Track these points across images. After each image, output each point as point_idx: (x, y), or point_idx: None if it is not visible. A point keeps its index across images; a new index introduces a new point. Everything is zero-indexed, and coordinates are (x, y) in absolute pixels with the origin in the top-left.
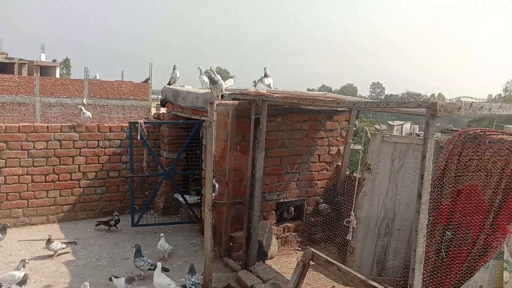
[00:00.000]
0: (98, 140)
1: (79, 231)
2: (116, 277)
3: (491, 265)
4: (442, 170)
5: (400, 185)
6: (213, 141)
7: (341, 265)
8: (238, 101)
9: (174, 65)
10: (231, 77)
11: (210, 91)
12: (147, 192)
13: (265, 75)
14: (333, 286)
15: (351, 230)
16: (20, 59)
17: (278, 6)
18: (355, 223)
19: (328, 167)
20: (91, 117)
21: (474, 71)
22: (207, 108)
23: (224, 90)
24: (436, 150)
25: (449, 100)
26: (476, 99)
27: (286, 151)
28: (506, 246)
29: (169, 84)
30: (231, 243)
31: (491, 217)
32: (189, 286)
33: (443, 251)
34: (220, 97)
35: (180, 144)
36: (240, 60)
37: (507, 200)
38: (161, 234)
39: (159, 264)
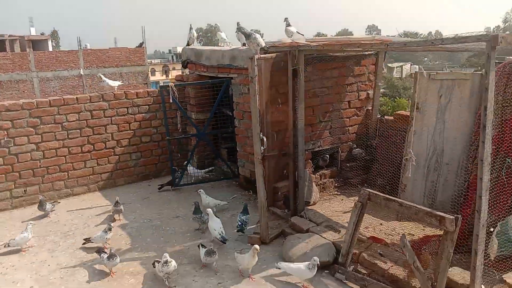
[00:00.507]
0: (127, 107)
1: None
2: (203, 246)
3: None
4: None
5: (448, 121)
6: (257, 96)
7: (402, 200)
8: (275, 54)
9: (190, 25)
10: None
11: (229, 47)
12: (179, 154)
13: (288, 25)
14: (381, 223)
15: (409, 167)
16: (10, 35)
17: None
18: (414, 159)
19: (358, 113)
20: (111, 85)
21: (472, 4)
22: (235, 64)
23: (261, 43)
24: (481, 84)
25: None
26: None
27: (318, 100)
28: None
29: (188, 44)
30: (277, 194)
31: None
32: (238, 221)
33: (503, 174)
34: (258, 51)
35: (207, 104)
36: (226, 11)
37: None
38: (200, 190)
39: (209, 211)
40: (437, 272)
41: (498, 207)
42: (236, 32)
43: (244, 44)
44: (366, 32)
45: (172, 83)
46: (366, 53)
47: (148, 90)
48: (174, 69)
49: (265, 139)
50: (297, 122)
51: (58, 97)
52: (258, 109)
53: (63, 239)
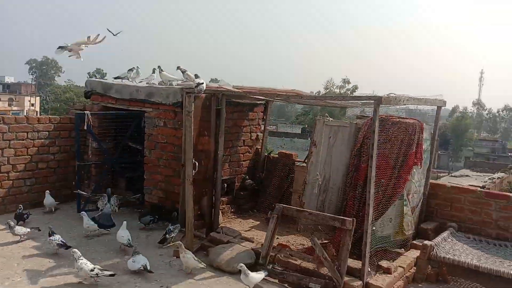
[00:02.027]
0: (27, 132)
1: None
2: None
3: (396, 203)
4: (361, 143)
5: (333, 155)
6: (191, 127)
7: (310, 210)
8: (205, 94)
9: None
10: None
11: (151, 84)
12: (73, 182)
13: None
14: (278, 237)
15: (317, 186)
16: None
17: None
18: (320, 180)
19: (250, 150)
20: None
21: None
22: (152, 100)
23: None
24: (356, 130)
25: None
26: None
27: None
28: (405, 190)
29: (117, 78)
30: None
31: (396, 172)
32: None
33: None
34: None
35: (110, 135)
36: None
37: (406, 160)
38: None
39: (124, 223)
40: (340, 260)
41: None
42: (179, 70)
43: (160, 83)
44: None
45: (89, 112)
46: (258, 102)
47: (50, 116)
48: None
49: (197, 164)
50: (218, 152)
51: None
52: (191, 139)
53: None
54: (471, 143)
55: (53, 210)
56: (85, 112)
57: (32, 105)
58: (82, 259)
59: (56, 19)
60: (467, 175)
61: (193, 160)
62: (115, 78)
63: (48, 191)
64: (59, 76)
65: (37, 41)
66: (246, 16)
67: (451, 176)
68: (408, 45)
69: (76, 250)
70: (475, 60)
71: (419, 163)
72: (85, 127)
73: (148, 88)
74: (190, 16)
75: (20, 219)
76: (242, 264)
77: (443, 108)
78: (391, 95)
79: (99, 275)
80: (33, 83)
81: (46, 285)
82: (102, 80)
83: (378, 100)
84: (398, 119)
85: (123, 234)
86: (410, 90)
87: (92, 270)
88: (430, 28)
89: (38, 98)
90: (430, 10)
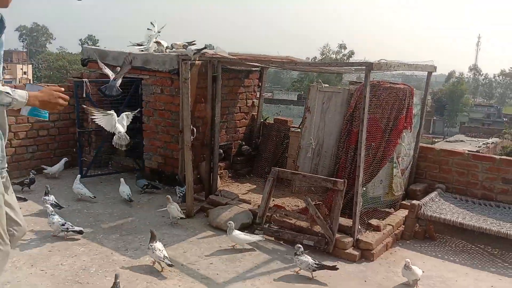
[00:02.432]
0: None
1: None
2: None
3: (386, 166)
4: (353, 108)
5: (327, 121)
6: (189, 94)
7: (304, 173)
8: (201, 62)
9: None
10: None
11: (146, 53)
12: (74, 148)
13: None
14: (273, 199)
15: (311, 150)
16: None
17: None
18: (313, 144)
19: (246, 116)
20: None
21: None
22: (148, 67)
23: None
24: (349, 95)
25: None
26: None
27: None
28: (395, 153)
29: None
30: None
31: (386, 136)
32: (178, 194)
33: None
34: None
35: (108, 102)
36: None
37: (396, 125)
38: (121, 179)
39: (121, 179)
40: (332, 218)
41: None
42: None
43: (155, 50)
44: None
45: (87, 79)
46: (253, 68)
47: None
48: None
49: (195, 130)
50: (215, 118)
51: None
52: (188, 106)
53: None
54: (467, 108)
55: (57, 175)
56: (83, 80)
57: (25, 73)
58: (54, 215)
59: None
60: (461, 140)
61: (191, 127)
62: (138, 44)
63: (65, 158)
64: (50, 43)
65: (26, 7)
66: None
67: (446, 141)
68: (405, 11)
69: (48, 206)
70: (473, 24)
71: (409, 127)
72: (84, 95)
73: (144, 56)
74: None
75: (32, 183)
76: (231, 222)
77: (439, 73)
78: (382, 61)
79: (69, 229)
80: (24, 50)
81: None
82: (98, 47)
83: (369, 66)
84: (389, 85)
85: (124, 189)
86: (407, 58)
87: (63, 225)
88: None
89: (30, 66)
90: None
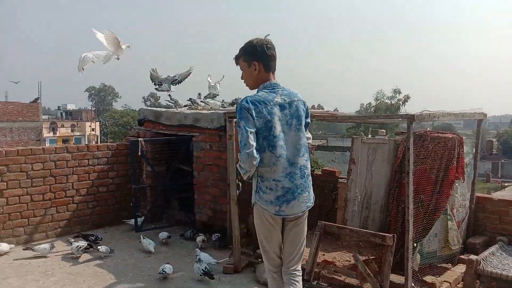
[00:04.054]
0: (88, 159)
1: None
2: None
3: (440, 218)
4: (401, 159)
5: (374, 172)
6: (234, 150)
7: (351, 227)
8: None
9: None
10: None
11: (196, 111)
12: (131, 203)
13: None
14: (324, 254)
15: (357, 203)
16: None
17: None
18: (359, 197)
19: None
20: None
21: (348, 82)
22: (198, 125)
23: None
24: (395, 146)
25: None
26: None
27: None
28: (449, 205)
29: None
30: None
31: (438, 187)
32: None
33: (420, 207)
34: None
35: (162, 158)
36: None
37: (446, 175)
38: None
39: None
40: (382, 276)
41: (416, 229)
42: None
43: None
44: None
45: (142, 139)
46: None
47: (108, 144)
48: (62, 126)
49: (240, 184)
50: None
51: (25, 147)
52: (234, 161)
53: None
54: None
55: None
56: (139, 139)
57: (93, 129)
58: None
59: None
60: None
61: (237, 181)
62: (188, 100)
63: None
64: (116, 101)
65: (94, 69)
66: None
67: None
68: (462, 50)
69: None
70: None
71: (461, 177)
72: (139, 153)
73: (195, 114)
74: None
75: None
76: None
77: (504, 114)
78: (425, 112)
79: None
80: (92, 109)
81: None
82: (153, 108)
83: (411, 118)
84: (436, 134)
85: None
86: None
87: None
88: (484, 29)
89: (98, 123)
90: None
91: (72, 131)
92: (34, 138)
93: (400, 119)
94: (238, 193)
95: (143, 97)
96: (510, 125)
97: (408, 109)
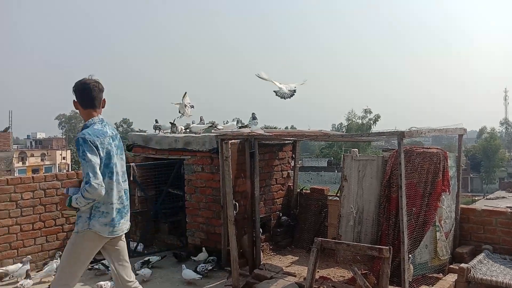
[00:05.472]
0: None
1: None
2: None
3: (429, 230)
4: (389, 175)
5: (364, 188)
6: (230, 171)
7: (348, 242)
8: (238, 140)
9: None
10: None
11: (188, 135)
12: None
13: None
14: (318, 271)
15: (352, 219)
16: None
17: None
18: (354, 212)
19: (282, 188)
20: None
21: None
22: (189, 148)
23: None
24: (383, 162)
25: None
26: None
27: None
28: (437, 217)
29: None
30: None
31: (426, 200)
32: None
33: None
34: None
35: (152, 183)
36: None
37: (434, 188)
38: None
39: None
40: (380, 287)
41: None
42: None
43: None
44: None
45: (133, 163)
46: (286, 142)
47: None
48: (32, 155)
49: (237, 204)
50: (255, 192)
51: (15, 176)
52: (231, 181)
53: None
54: (504, 163)
55: None
56: (131, 164)
57: (64, 158)
58: None
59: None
60: (503, 197)
61: (233, 201)
62: (185, 127)
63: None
64: None
65: (64, 96)
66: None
67: (487, 199)
68: (425, 70)
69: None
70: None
71: (447, 190)
72: (131, 178)
73: (186, 138)
74: (209, 65)
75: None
76: None
77: (470, 130)
78: (413, 128)
79: None
80: (63, 137)
81: None
82: (142, 133)
83: (401, 135)
84: (422, 150)
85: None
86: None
87: None
88: (447, 51)
89: (69, 151)
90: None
91: (42, 160)
92: (4, 168)
93: (390, 136)
94: (234, 213)
95: (115, 123)
96: (476, 140)
97: (379, 128)
